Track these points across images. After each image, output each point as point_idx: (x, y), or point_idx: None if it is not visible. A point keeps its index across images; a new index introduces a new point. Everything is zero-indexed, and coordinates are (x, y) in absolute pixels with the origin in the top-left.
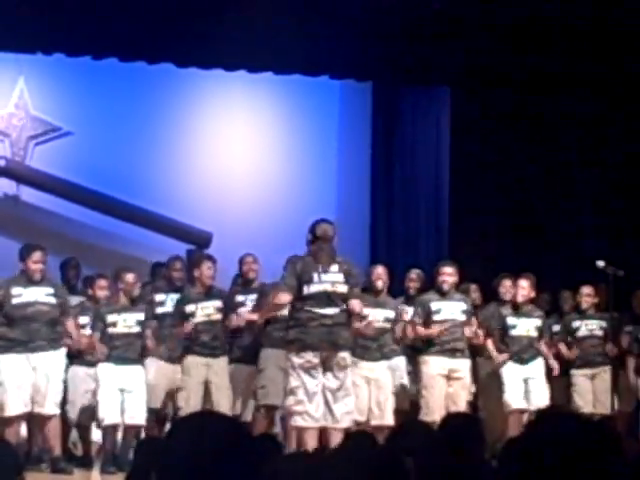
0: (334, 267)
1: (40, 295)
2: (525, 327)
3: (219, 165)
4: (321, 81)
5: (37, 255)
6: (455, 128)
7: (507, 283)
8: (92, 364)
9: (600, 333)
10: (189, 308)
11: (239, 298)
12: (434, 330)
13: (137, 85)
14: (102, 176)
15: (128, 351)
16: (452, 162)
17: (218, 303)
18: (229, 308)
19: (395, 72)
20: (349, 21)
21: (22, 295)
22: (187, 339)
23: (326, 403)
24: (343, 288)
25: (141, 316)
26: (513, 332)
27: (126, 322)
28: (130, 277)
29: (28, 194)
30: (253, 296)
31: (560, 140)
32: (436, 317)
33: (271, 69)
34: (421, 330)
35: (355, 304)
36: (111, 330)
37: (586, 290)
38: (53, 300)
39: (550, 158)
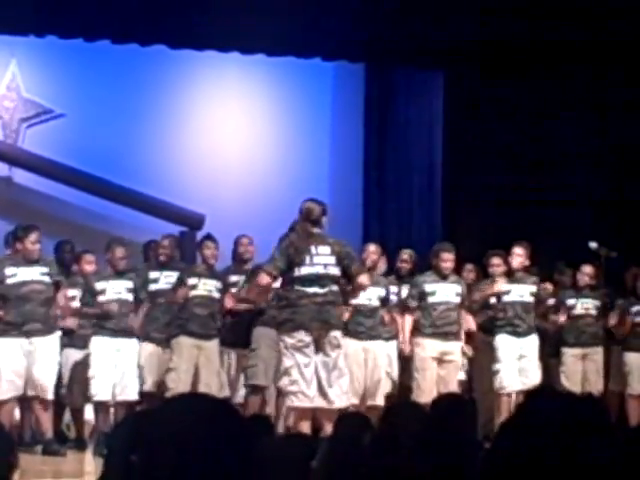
0: (326, 249)
1: (35, 274)
2: (519, 292)
3: (212, 147)
4: (314, 63)
5: (34, 236)
6: (448, 110)
7: (495, 261)
8: (86, 346)
9: (595, 312)
10: (192, 280)
11: (233, 278)
12: (494, 287)
13: (130, 67)
14: (94, 158)
15: (122, 322)
16: (445, 143)
17: (220, 285)
18: (224, 287)
19: (388, 54)
20: (342, 2)
21: (17, 275)
22: (180, 307)
23: (319, 385)
24: (335, 270)
25: (130, 284)
26: (506, 298)
27: (115, 289)
28: (119, 251)
29: (20, 176)
30: None
31: (554, 122)
32: (431, 299)
33: (264, 51)
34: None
35: (364, 279)
36: (101, 298)
37: (587, 269)
38: (47, 279)
39: (543, 139)
